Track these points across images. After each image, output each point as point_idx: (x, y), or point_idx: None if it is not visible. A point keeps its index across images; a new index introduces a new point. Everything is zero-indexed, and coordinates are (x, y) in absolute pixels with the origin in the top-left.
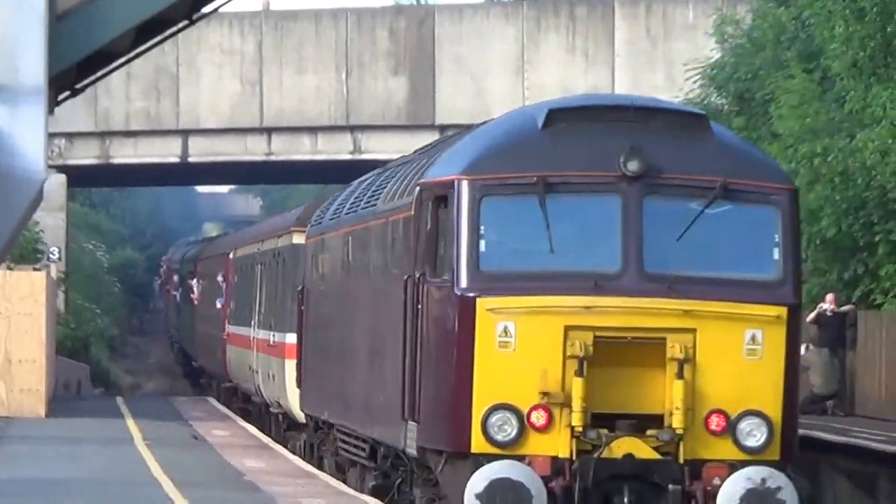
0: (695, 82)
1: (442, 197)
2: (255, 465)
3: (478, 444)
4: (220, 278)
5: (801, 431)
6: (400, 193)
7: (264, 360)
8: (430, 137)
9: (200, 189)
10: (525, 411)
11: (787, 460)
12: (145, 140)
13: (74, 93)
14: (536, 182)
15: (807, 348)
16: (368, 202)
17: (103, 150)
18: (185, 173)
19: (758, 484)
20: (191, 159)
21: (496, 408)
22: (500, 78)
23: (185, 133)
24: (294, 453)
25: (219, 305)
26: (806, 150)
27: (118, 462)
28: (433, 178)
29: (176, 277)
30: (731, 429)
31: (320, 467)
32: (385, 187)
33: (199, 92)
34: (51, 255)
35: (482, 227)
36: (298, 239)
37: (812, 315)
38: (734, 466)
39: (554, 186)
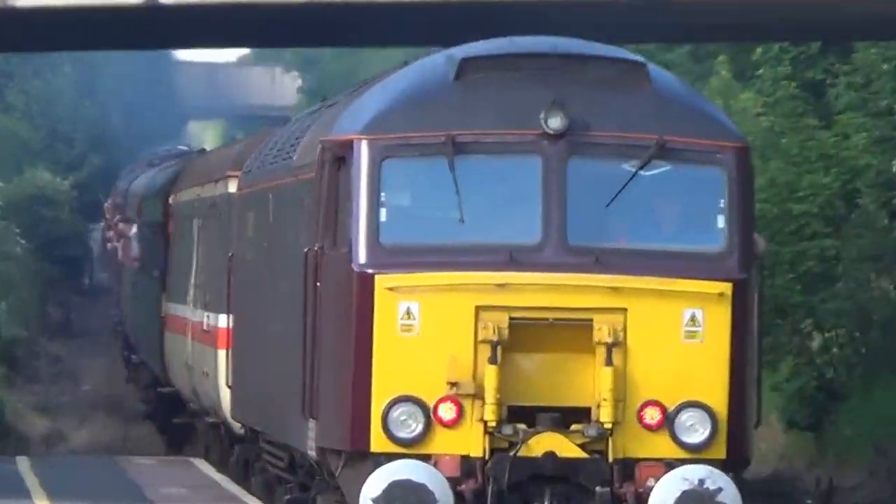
0: None
1: (342, 157)
2: None
3: (378, 442)
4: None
5: None
6: (312, 147)
7: (200, 352)
8: None
9: (183, 56)
10: (431, 404)
11: (736, 459)
12: None
13: None
14: (445, 141)
15: None
16: (289, 153)
17: None
18: (153, 27)
19: (695, 485)
20: (164, 0)
21: (398, 400)
22: None
23: None
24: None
25: (156, 273)
26: None
27: None
28: (334, 136)
29: (123, 225)
30: (668, 423)
31: (248, 487)
32: (306, 134)
33: None
34: None
35: (383, 194)
36: (234, 187)
37: None
38: (672, 466)
39: (465, 146)
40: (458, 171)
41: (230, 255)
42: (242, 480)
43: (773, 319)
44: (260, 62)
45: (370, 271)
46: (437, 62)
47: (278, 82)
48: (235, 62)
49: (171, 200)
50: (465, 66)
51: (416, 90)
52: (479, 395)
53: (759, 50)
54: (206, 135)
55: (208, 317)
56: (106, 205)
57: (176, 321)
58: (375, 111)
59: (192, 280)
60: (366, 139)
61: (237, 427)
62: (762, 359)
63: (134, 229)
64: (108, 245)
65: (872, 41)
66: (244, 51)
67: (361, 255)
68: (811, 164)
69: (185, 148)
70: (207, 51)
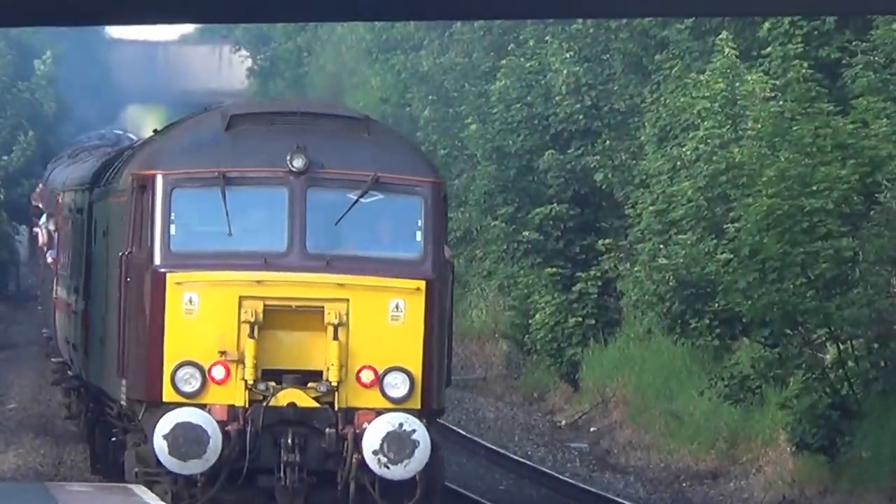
0: None
1: (144, 185)
2: None
3: (168, 394)
4: (51, 225)
5: None
6: (128, 176)
7: (75, 329)
8: None
9: (118, 34)
10: (207, 367)
11: (428, 409)
12: None
13: None
14: (218, 176)
15: None
16: (118, 178)
17: None
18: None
19: (396, 427)
20: None
21: (183, 364)
22: None
23: None
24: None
25: (50, 259)
26: None
27: None
28: (139, 171)
29: (52, 222)
30: (379, 382)
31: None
32: (128, 165)
33: None
34: None
35: (173, 214)
36: (92, 197)
37: None
38: (381, 413)
39: (233, 180)
40: (227, 198)
41: (87, 252)
42: (92, 432)
43: (782, 329)
44: (205, 40)
45: (163, 270)
46: (214, 116)
47: (226, 63)
48: (177, 40)
49: (59, 199)
50: (234, 120)
51: (197, 138)
52: (241, 361)
53: (766, 25)
54: (145, 120)
55: (76, 300)
56: (34, 193)
57: (60, 302)
58: (168, 153)
59: (69, 269)
60: (161, 174)
61: (94, 388)
62: (452, 336)
63: (43, 219)
64: (38, 249)
65: (894, 15)
66: (187, 27)
67: (157, 259)
68: (826, 155)
69: (119, 133)
70: (146, 27)
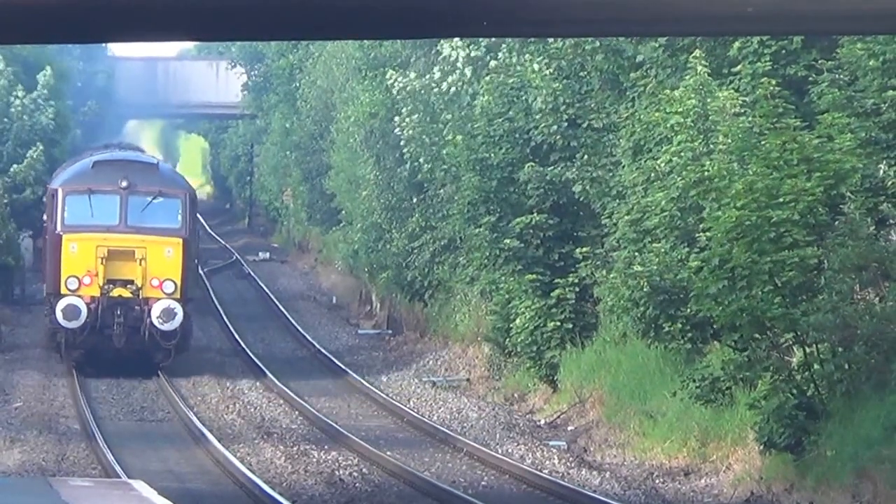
0: None
1: (53, 194)
2: None
3: (63, 290)
4: (45, 202)
5: None
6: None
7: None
8: None
9: (121, 52)
10: (81, 277)
11: (184, 298)
12: None
13: None
14: (86, 190)
15: None
16: (51, 182)
17: None
18: (85, 17)
19: (167, 306)
20: None
21: (70, 276)
22: None
23: None
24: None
25: (45, 220)
26: None
27: None
28: (52, 186)
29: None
30: (161, 285)
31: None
32: (62, 173)
33: None
34: None
35: (66, 207)
36: (50, 188)
37: None
38: (160, 300)
39: (94, 191)
40: (91, 200)
41: (45, 222)
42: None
43: (751, 333)
44: (203, 57)
45: (61, 234)
46: (88, 160)
47: (222, 78)
48: (176, 57)
49: (48, 187)
50: (95, 163)
51: (78, 171)
52: (97, 275)
53: (736, 45)
54: (144, 134)
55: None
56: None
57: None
58: (64, 178)
59: (46, 227)
60: (61, 188)
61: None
62: (197, 265)
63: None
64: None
65: (858, 35)
66: (185, 44)
67: (59, 228)
68: (792, 168)
69: (121, 143)
70: (145, 44)
